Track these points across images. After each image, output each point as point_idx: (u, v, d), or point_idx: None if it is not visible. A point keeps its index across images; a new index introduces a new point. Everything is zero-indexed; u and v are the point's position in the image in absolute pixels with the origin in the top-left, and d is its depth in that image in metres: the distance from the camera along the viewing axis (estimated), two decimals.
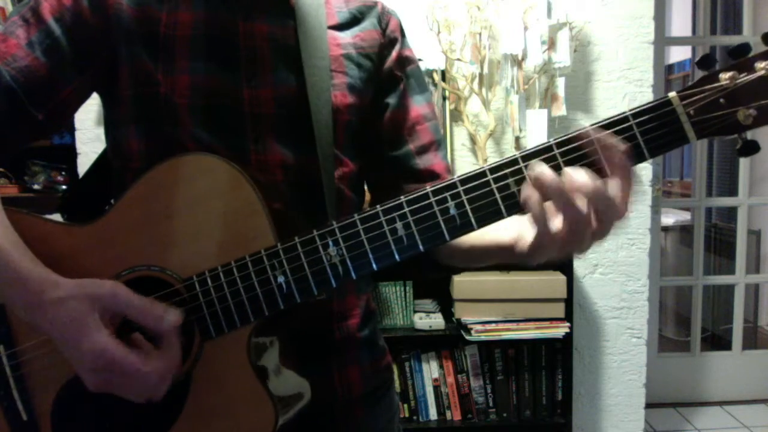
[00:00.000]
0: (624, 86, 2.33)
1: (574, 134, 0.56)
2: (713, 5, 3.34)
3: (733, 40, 3.09)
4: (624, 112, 0.55)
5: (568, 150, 0.56)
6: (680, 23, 3.99)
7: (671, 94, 0.54)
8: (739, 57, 0.54)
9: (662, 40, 2.85)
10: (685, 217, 3.63)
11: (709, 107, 0.53)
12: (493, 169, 0.58)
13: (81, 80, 0.72)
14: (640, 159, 0.55)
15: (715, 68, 0.54)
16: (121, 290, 0.61)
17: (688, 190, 3.54)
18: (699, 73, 0.55)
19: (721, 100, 0.53)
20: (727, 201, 3.32)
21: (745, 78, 0.53)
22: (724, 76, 0.53)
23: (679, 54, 4.64)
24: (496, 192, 0.58)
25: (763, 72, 0.52)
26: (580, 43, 2.29)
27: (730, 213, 3.38)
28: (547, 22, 2.12)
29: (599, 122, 0.56)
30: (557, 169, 0.56)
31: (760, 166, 3.30)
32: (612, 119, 0.55)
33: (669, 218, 3.65)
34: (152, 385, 0.60)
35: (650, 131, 0.54)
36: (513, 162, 0.57)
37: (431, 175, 0.80)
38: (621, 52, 2.31)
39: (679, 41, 3.92)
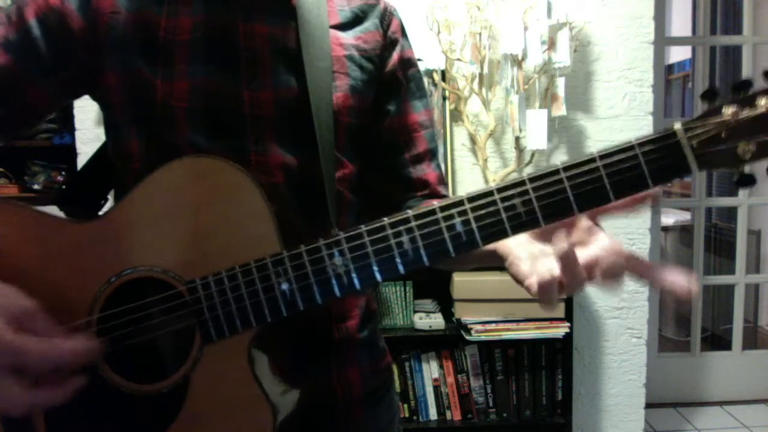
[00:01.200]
0: (624, 86, 2.33)
1: (580, 161, 0.57)
2: (713, 5, 3.33)
3: (733, 40, 3.09)
4: (629, 141, 0.56)
5: (573, 175, 0.57)
6: (680, 23, 3.99)
7: (676, 125, 0.55)
8: (740, 91, 0.55)
9: (662, 40, 2.85)
10: (685, 217, 3.63)
11: (711, 141, 0.55)
12: (500, 189, 0.59)
13: (51, 83, 0.72)
14: (644, 187, 0.56)
15: (717, 103, 0.55)
16: (39, 310, 0.60)
17: (688, 190, 3.53)
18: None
19: (723, 134, 0.54)
20: (727, 201, 3.32)
21: (746, 114, 0.54)
22: (727, 111, 0.54)
23: (679, 54, 4.64)
24: (503, 212, 0.58)
25: (764, 109, 0.54)
26: (580, 43, 2.29)
27: (730, 213, 3.38)
28: (547, 22, 2.12)
29: (606, 150, 0.56)
30: (563, 192, 0.57)
31: (759, 166, 3.29)
32: (618, 147, 0.56)
33: (669, 218, 3.65)
34: (34, 366, 0.56)
35: (655, 161, 0.55)
36: (520, 183, 0.58)
37: (424, 185, 0.82)
38: (621, 52, 2.32)
39: (679, 41, 3.93)
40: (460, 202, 0.59)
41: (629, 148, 0.56)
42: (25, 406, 0.59)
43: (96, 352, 0.62)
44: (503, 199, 0.58)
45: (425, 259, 0.60)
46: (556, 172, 0.57)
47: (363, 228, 0.61)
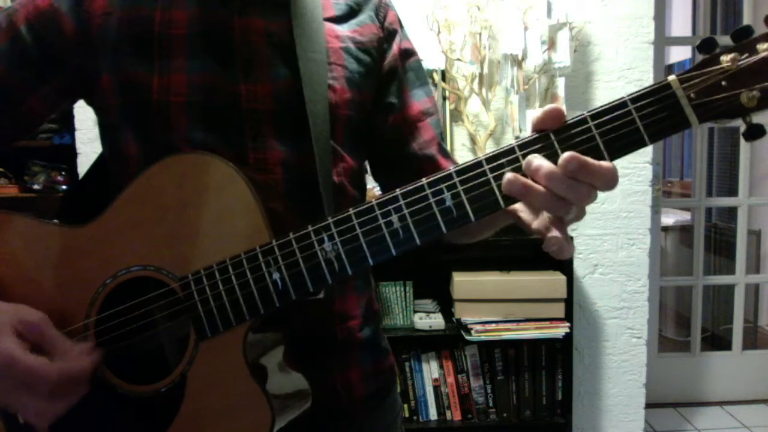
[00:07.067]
0: (624, 86, 2.33)
1: (571, 122, 0.55)
2: (713, 5, 3.34)
3: None
4: (622, 97, 0.54)
5: (565, 138, 0.55)
6: (680, 23, 3.99)
7: (671, 77, 0.53)
8: (741, 39, 0.52)
9: (662, 40, 2.85)
10: (685, 217, 3.63)
11: (710, 90, 0.52)
12: (490, 159, 0.56)
13: (47, 89, 0.72)
14: (640, 144, 0.54)
15: (715, 51, 0.53)
16: (47, 323, 0.63)
17: (688, 190, 3.53)
18: (699, 54, 0.54)
19: (723, 83, 0.51)
20: (727, 201, 3.32)
21: (747, 60, 0.51)
22: (726, 59, 0.51)
23: (679, 54, 4.64)
24: (493, 181, 0.56)
25: (765, 53, 0.50)
26: (580, 43, 2.29)
27: (730, 213, 3.38)
28: (547, 22, 2.12)
29: (597, 108, 0.54)
30: (554, 156, 0.54)
31: (760, 166, 3.30)
32: (610, 104, 0.54)
33: (669, 218, 3.64)
34: (52, 387, 0.60)
35: (650, 116, 0.53)
36: (510, 151, 0.56)
37: (434, 170, 0.81)
38: (621, 52, 2.32)
39: (679, 41, 3.92)
40: (449, 176, 0.57)
41: (622, 104, 0.53)
42: (44, 417, 0.61)
43: (101, 362, 0.64)
44: (493, 169, 0.56)
45: (416, 237, 0.58)
46: (546, 137, 0.55)
47: (351, 211, 0.60)
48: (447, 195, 0.57)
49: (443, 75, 2.25)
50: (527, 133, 2.07)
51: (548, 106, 0.55)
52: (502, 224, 0.71)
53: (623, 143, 0.54)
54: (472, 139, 2.31)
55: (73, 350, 0.62)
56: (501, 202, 0.56)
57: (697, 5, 3.17)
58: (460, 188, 0.57)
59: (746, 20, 2.99)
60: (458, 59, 2.20)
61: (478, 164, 0.57)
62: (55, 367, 0.60)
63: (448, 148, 2.28)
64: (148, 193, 0.66)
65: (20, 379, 0.59)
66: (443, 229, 0.58)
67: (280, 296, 0.62)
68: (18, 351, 0.59)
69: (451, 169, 0.58)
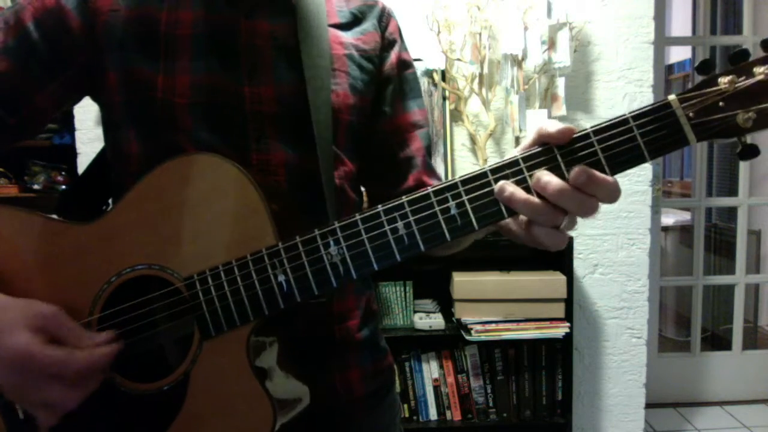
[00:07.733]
0: (624, 86, 2.33)
1: (574, 137, 0.57)
2: (713, 5, 3.34)
3: (733, 40, 3.09)
4: (624, 115, 0.56)
5: (567, 152, 0.56)
6: (680, 23, 3.99)
7: (671, 96, 0.55)
8: (739, 62, 0.54)
9: (662, 40, 2.85)
10: (685, 217, 3.63)
11: (708, 110, 0.54)
12: (494, 170, 0.58)
13: (55, 86, 0.72)
14: (641, 161, 0.56)
15: (714, 72, 0.55)
16: (63, 314, 0.62)
17: (688, 190, 3.54)
18: (699, 75, 0.56)
19: (721, 103, 0.54)
20: (727, 201, 3.32)
21: (744, 82, 0.53)
22: (724, 80, 0.54)
23: (679, 54, 4.64)
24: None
25: (762, 76, 0.53)
26: (580, 43, 2.29)
27: (730, 213, 3.38)
28: (547, 22, 2.12)
29: (599, 124, 0.56)
30: (557, 169, 0.56)
31: (760, 166, 3.30)
32: (612, 121, 0.56)
33: (669, 218, 3.65)
34: (76, 375, 0.59)
35: (650, 133, 0.55)
36: (514, 163, 0.58)
37: (420, 183, 0.82)
38: (621, 52, 2.32)
39: (679, 41, 3.92)
40: (454, 185, 0.59)
41: (623, 122, 0.55)
42: (65, 405, 0.61)
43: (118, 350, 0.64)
44: (497, 180, 0.58)
45: (421, 244, 0.59)
46: (550, 150, 0.57)
47: (357, 216, 0.61)
48: (452, 204, 0.59)
49: (443, 75, 2.25)
50: (527, 133, 2.08)
51: (563, 127, 0.56)
52: (481, 235, 0.72)
53: (624, 159, 0.56)
54: (472, 139, 2.32)
55: (94, 338, 0.62)
56: (504, 213, 0.58)
57: (697, 5, 3.17)
58: (464, 198, 0.59)
59: (746, 20, 2.99)
60: (458, 59, 2.20)
61: (483, 175, 0.59)
62: (82, 355, 0.60)
63: (448, 148, 2.29)
64: (154, 192, 0.67)
65: (44, 371, 0.59)
66: (447, 237, 0.59)
67: (285, 298, 0.62)
68: (34, 345, 0.59)
69: (457, 179, 0.59)
